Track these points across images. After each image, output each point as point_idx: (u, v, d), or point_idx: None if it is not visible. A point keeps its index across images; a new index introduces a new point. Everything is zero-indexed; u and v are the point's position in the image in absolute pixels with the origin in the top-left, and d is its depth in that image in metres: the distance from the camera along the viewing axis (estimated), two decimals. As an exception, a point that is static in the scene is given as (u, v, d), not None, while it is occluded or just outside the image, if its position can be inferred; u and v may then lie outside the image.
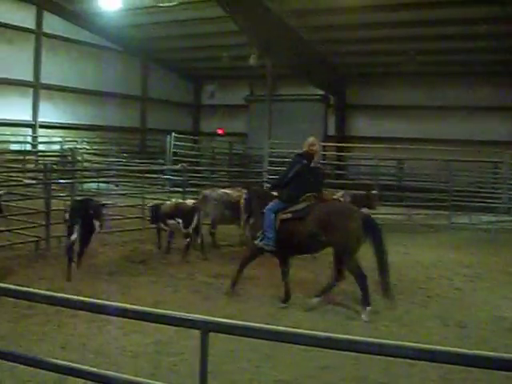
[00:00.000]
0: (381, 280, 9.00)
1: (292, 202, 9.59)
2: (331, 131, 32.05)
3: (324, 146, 28.11)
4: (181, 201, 13.85)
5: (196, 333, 4.09)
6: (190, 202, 13.43)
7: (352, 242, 9.07)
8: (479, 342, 7.82)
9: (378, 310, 9.09)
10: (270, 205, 9.70)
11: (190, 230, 12.61)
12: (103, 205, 12.42)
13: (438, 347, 3.69)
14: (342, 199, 13.53)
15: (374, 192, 15.57)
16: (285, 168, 10.36)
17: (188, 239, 12.63)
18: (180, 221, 12.77)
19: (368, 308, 8.80)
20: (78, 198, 13.41)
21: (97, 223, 11.30)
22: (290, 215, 9.46)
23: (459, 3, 22.59)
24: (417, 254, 14.19)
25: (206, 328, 4.05)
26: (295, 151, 24.29)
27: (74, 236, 10.84)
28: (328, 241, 9.18)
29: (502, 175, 21.47)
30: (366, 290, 8.88)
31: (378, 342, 3.80)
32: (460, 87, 28.78)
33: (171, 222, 12.96)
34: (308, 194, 9.60)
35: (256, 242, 9.73)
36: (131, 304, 4.77)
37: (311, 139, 10.06)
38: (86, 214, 11.11)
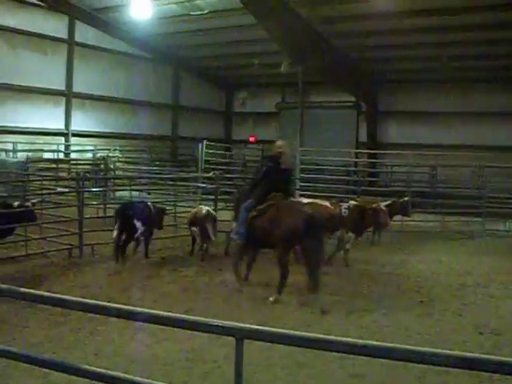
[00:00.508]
0: (309, 276, 9.88)
1: (261, 201, 10.48)
2: (363, 138, 31.86)
3: (356, 153, 28.10)
4: (200, 207, 13.95)
5: (228, 340, 4.08)
6: (204, 209, 13.53)
7: (288, 237, 9.93)
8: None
9: (411, 318, 9.01)
10: (245, 204, 10.70)
11: (207, 237, 13.10)
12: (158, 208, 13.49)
13: (476, 355, 3.62)
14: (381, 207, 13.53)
15: (406, 199, 15.43)
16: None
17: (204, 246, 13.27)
18: (195, 228, 13.29)
19: (277, 296, 9.83)
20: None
21: (138, 224, 12.25)
22: (255, 213, 10.40)
23: (490, 8, 22.37)
24: (451, 261, 14.03)
25: (241, 335, 4.02)
26: (327, 158, 24.83)
27: (113, 234, 12.17)
28: (274, 235, 9.99)
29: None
30: (282, 283, 9.92)
31: (412, 350, 3.75)
32: (495, 93, 28.46)
33: (193, 228, 13.44)
34: (275, 194, 10.49)
35: (231, 235, 11.33)
36: (163, 311, 4.77)
37: (278, 142, 11.18)
38: (125, 216, 12.25)
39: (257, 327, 4.18)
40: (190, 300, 9.78)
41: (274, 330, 4.13)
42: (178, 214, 16.60)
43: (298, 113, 26.58)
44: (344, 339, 3.97)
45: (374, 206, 13.00)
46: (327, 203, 13.09)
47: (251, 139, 35.59)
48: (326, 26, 25.32)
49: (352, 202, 13.50)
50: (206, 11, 25.31)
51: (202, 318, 4.36)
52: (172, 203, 17.38)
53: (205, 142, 25.99)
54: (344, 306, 9.62)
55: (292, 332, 4.07)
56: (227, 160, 30.26)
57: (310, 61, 25.84)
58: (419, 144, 27.83)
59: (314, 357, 6.86)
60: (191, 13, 25.57)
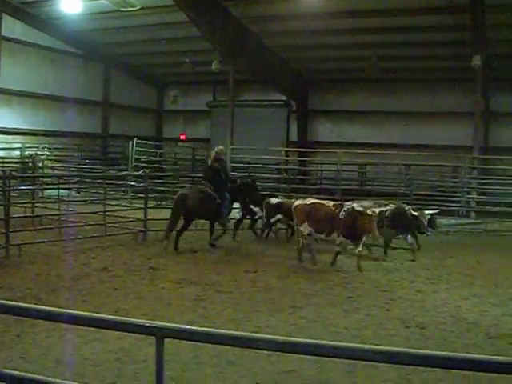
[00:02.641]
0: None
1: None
2: (293, 136, 32.16)
3: (286, 152, 28.35)
4: None
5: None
6: None
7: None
8: (440, 343, 7.92)
9: (339, 314, 9.18)
10: None
11: None
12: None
13: (397, 349, 3.73)
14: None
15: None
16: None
17: None
18: None
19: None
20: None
21: None
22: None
23: (420, 10, 22.98)
24: (379, 257, 14.29)
25: (162, 334, 4.00)
26: (258, 157, 24.97)
27: None
28: None
29: (461, 179, 21.82)
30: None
31: (336, 346, 3.81)
32: (421, 93, 29.16)
33: None
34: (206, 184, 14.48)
35: None
36: (92, 312, 4.72)
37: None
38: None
39: (177, 326, 4.16)
40: (120, 300, 9.68)
41: (195, 328, 4.12)
42: (108, 213, 16.37)
43: (229, 111, 26.65)
44: (265, 336, 4.01)
45: (368, 211, 12.44)
46: (330, 203, 13.22)
47: (182, 137, 35.46)
48: (258, 25, 25.46)
49: (354, 205, 12.95)
50: (137, 7, 25.06)
51: (124, 318, 4.34)
52: (101, 202, 17.15)
53: (135, 139, 25.77)
54: (273, 303, 9.71)
55: (214, 330, 4.08)
56: (158, 158, 30.08)
57: (241, 59, 25.96)
58: (349, 142, 28.27)
59: (244, 354, 6.90)
60: (122, 9, 25.26)
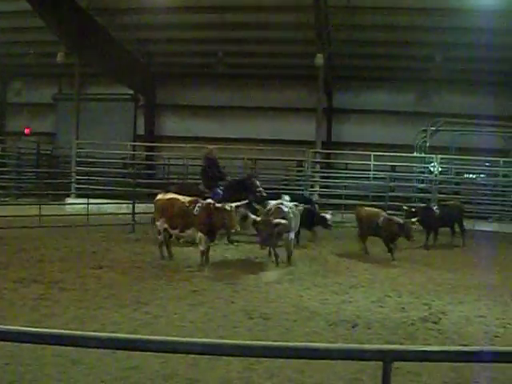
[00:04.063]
0: None
1: None
2: (141, 131, 31.87)
3: (134, 146, 28.07)
4: None
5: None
6: None
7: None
8: (282, 332, 8.15)
9: (184, 308, 9.26)
10: None
11: None
12: None
13: (245, 342, 3.87)
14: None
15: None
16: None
17: None
18: None
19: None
20: None
21: None
22: None
23: (266, 8, 23.60)
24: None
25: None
26: (104, 151, 24.53)
27: None
28: None
29: (305, 173, 22.59)
30: None
31: (160, 340, 3.86)
32: (268, 89, 29.77)
33: None
34: None
35: None
36: None
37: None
38: None
39: (4, 327, 3.87)
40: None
41: (22, 329, 3.87)
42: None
43: (75, 105, 25.99)
44: (104, 335, 3.95)
45: (226, 206, 12.23)
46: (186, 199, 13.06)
47: (26, 131, 34.09)
48: (105, 17, 25.00)
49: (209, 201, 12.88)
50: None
51: None
52: None
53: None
54: (118, 299, 9.60)
55: (46, 330, 3.93)
56: (0, 153, 28.81)
57: (88, 52, 25.31)
58: (196, 137, 28.38)
59: (88, 352, 6.77)
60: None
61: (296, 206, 14.29)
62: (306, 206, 15.46)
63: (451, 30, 23.76)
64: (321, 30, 24.09)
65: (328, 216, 15.77)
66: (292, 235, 13.23)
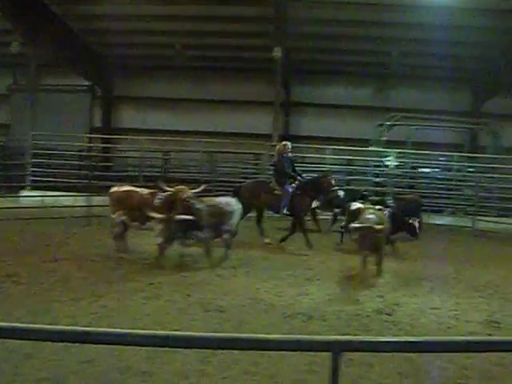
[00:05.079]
0: None
1: None
2: (97, 123, 31.55)
3: (90, 138, 27.79)
4: None
5: None
6: None
7: None
8: (238, 325, 8.18)
9: (140, 301, 9.24)
10: None
11: None
12: None
13: (195, 334, 3.88)
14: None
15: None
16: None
17: None
18: None
19: None
20: None
21: None
22: None
23: (225, 1, 23.57)
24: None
25: None
26: (60, 143, 24.25)
27: None
28: None
29: (262, 166, 22.66)
30: None
31: (114, 333, 3.87)
32: (227, 82, 29.76)
33: None
34: None
35: None
36: None
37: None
38: None
39: None
40: None
41: None
42: None
43: (30, 96, 25.59)
44: (57, 328, 3.91)
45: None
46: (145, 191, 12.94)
47: (-21, 123, 33.44)
48: (62, 6, 24.64)
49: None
50: None
51: None
52: None
53: None
54: (74, 292, 9.50)
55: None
56: None
57: (43, 42, 24.93)
58: (154, 129, 28.26)
59: (43, 346, 6.71)
60: None
61: (380, 209, 14.04)
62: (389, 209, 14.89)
63: (408, 26, 24.05)
64: (279, 24, 24.17)
65: (416, 223, 14.32)
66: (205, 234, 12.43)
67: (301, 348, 3.97)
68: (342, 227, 15.35)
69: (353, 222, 14.27)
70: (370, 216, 11.16)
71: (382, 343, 3.98)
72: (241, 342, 3.82)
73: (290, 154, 15.57)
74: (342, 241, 15.27)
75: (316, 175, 16.38)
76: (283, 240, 14.80)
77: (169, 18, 25.16)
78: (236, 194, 15.03)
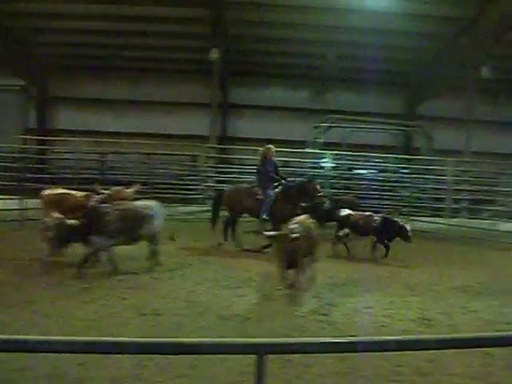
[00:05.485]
0: None
1: None
2: (32, 124, 30.91)
3: (25, 140, 27.20)
4: None
5: None
6: None
7: None
8: (173, 329, 8.13)
9: (74, 306, 9.10)
10: None
11: None
12: None
13: (123, 339, 3.84)
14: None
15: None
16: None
17: None
18: None
19: None
20: None
21: None
22: None
23: (161, 2, 23.41)
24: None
25: None
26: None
27: None
28: None
29: (198, 168, 22.59)
30: None
31: (43, 340, 3.81)
32: (164, 83, 29.57)
33: None
34: None
35: None
36: None
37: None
38: None
39: None
40: None
41: None
42: None
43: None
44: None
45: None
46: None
47: None
48: (-1, 4, 24.14)
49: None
50: None
51: None
52: None
53: None
54: (6, 298, 9.27)
55: None
56: None
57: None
58: (91, 131, 27.88)
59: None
60: None
61: (370, 216, 14.34)
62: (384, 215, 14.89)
63: (344, 30, 24.41)
64: (216, 25, 24.17)
65: (408, 226, 14.27)
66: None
67: (226, 351, 3.99)
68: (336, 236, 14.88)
69: (343, 228, 14.51)
70: (294, 226, 10.29)
71: (307, 344, 4.03)
72: (165, 346, 3.83)
73: (273, 158, 15.35)
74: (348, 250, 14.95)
75: (300, 180, 16.17)
76: (265, 247, 14.27)
77: (105, 18, 24.87)
78: (218, 200, 15.02)
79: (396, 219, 14.67)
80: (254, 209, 14.78)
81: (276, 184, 14.98)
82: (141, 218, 11.68)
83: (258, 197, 14.76)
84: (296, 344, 4.10)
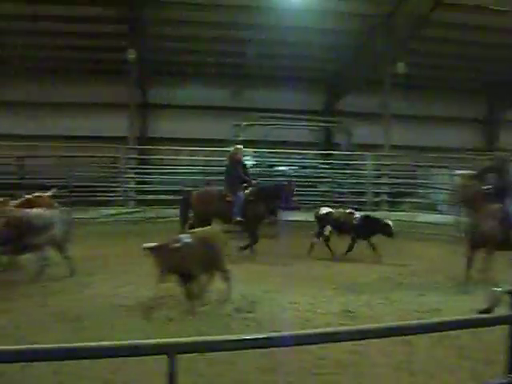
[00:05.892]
0: None
1: None
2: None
3: None
4: None
5: None
6: None
7: None
8: (95, 333, 7.94)
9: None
10: None
11: None
12: None
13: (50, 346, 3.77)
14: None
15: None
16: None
17: None
18: None
19: None
20: None
21: None
22: None
23: (74, 1, 22.94)
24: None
25: None
26: None
27: None
28: None
29: (119, 169, 22.29)
30: None
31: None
32: (81, 84, 28.91)
33: None
34: None
35: None
36: None
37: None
38: None
39: None
40: None
41: None
42: None
43: None
44: None
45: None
46: None
47: None
48: None
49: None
50: None
51: None
52: None
53: None
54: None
55: None
56: None
57: None
58: (5, 134, 27.03)
59: None
60: None
61: (351, 213, 14.25)
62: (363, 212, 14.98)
63: (263, 28, 24.48)
64: (134, 25, 23.91)
65: (390, 222, 14.31)
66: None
67: (137, 353, 3.96)
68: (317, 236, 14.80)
69: (324, 227, 14.46)
70: (182, 236, 9.45)
71: (217, 342, 4.04)
72: (80, 351, 3.75)
73: (242, 159, 15.16)
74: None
75: (275, 181, 16.03)
76: (244, 248, 14.22)
77: (14, 17, 24.09)
78: (185, 202, 14.60)
79: (378, 217, 14.85)
80: (226, 213, 14.06)
81: (245, 185, 14.68)
82: (31, 228, 10.99)
83: (228, 199, 14.36)
84: (205, 342, 4.11)
